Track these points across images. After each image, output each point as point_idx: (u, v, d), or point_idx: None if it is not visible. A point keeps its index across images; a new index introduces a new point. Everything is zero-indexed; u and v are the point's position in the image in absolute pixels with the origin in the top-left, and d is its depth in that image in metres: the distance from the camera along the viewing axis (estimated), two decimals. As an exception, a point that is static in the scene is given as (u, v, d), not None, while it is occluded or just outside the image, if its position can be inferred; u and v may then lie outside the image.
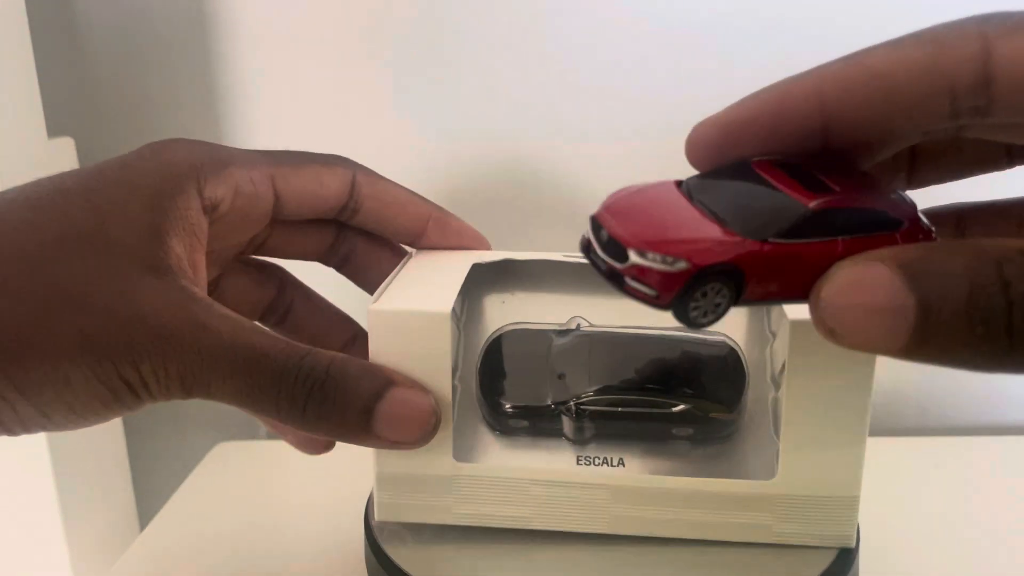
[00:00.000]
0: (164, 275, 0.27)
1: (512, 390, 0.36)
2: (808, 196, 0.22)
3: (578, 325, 0.37)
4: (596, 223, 0.23)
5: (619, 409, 0.35)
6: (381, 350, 0.31)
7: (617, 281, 0.22)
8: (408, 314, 0.30)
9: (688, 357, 0.36)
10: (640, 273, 0.22)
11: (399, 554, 0.33)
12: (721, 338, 0.37)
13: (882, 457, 0.49)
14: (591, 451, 0.35)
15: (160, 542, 0.45)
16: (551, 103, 0.52)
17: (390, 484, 0.33)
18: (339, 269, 0.38)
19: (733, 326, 0.37)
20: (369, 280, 0.38)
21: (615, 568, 0.33)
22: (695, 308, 0.22)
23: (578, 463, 0.34)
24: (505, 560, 0.33)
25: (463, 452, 0.34)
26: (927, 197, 0.26)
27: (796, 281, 0.21)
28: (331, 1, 0.51)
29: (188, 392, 0.28)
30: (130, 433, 0.56)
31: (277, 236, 0.36)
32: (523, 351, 0.37)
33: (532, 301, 0.38)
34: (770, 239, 0.21)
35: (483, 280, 0.37)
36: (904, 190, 0.24)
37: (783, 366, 0.32)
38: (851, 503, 0.32)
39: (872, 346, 0.19)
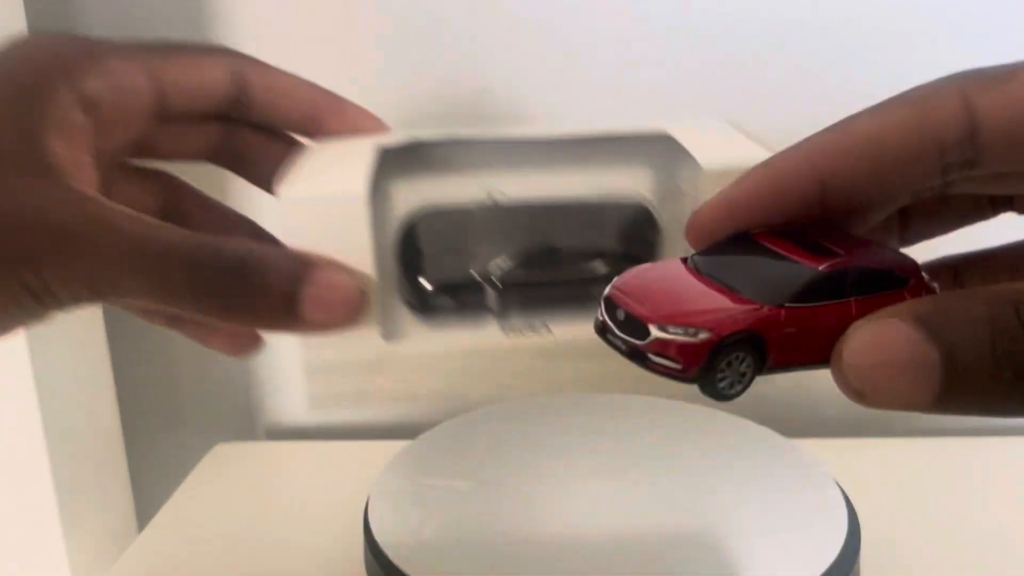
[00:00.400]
0: (48, 175, 0.26)
1: (432, 269, 0.35)
2: (816, 260, 0.22)
3: (494, 199, 0.35)
4: (610, 303, 0.23)
5: (541, 278, 0.35)
6: (294, 242, 0.29)
7: (640, 359, 0.22)
8: (322, 201, 0.29)
9: (604, 219, 0.36)
10: (664, 348, 0.22)
11: (398, 555, 0.33)
12: (635, 197, 0.35)
13: (882, 457, 0.49)
14: (517, 322, 0.34)
15: (159, 543, 0.45)
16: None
17: (319, 374, 0.31)
18: (232, 168, 0.36)
19: (646, 183, 0.35)
20: (264, 177, 0.35)
21: (615, 568, 0.33)
22: (722, 379, 0.22)
23: (506, 333, 0.33)
24: (506, 560, 0.33)
25: (390, 334, 0.32)
26: (917, 252, 0.27)
27: (816, 345, 0.22)
28: (332, 1, 0.51)
29: (97, 294, 0.26)
30: (128, 434, 0.56)
31: (162, 137, 0.33)
32: (440, 230, 0.35)
33: (445, 183, 0.35)
34: (786, 304, 0.22)
35: (391, 165, 0.34)
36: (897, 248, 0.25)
37: None
38: None
39: (903, 403, 0.19)
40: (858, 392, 0.19)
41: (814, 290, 0.22)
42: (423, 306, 0.35)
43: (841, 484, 0.37)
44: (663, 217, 0.35)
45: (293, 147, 0.35)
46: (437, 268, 0.35)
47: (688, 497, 0.37)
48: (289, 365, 0.58)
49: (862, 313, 0.21)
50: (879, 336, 0.19)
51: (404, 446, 0.41)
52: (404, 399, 0.32)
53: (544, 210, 0.36)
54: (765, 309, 0.22)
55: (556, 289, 0.35)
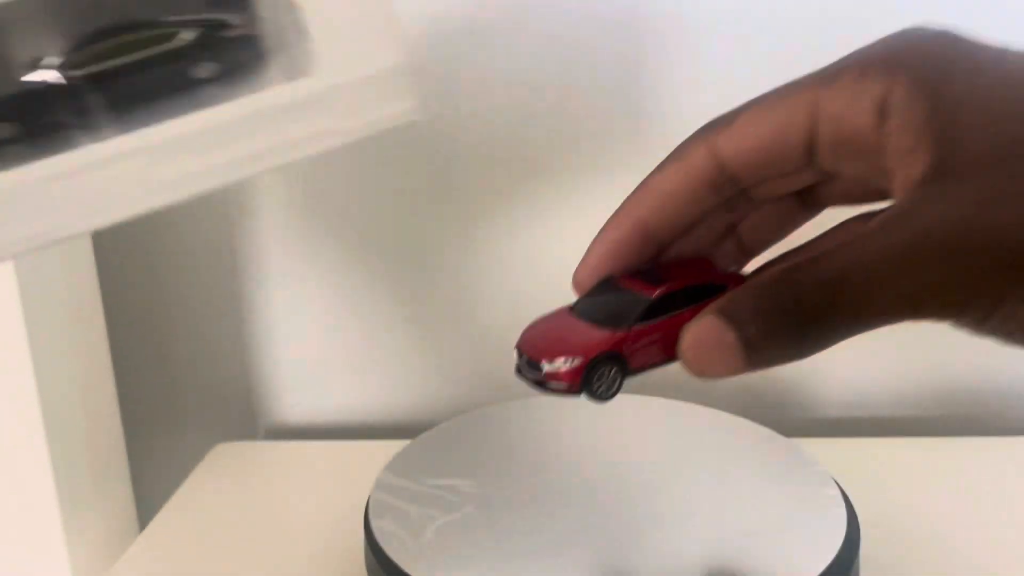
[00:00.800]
0: None
1: None
2: (652, 289, 0.31)
3: None
4: (519, 351, 0.32)
5: (119, 62, 0.28)
6: None
7: (543, 386, 0.31)
8: None
9: None
10: (553, 375, 0.30)
11: (399, 554, 0.33)
12: None
13: (881, 457, 0.49)
14: (107, 130, 0.28)
15: (160, 543, 0.45)
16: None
17: None
18: None
19: None
20: None
21: (615, 566, 0.33)
22: (598, 387, 0.31)
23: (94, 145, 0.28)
24: (506, 560, 0.33)
25: None
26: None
27: (662, 348, 0.31)
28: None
29: None
30: (129, 433, 0.56)
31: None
32: None
33: None
34: (633, 326, 0.31)
35: None
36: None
37: None
38: (399, 71, 0.30)
39: (726, 372, 0.25)
40: (695, 371, 0.26)
41: (650, 312, 0.31)
42: None
43: (840, 484, 0.37)
44: None
45: None
46: None
47: (688, 496, 0.37)
48: (289, 365, 0.58)
49: (694, 315, 0.30)
50: (697, 330, 0.26)
51: (404, 446, 0.41)
52: None
53: None
54: (618, 333, 0.30)
55: (144, 76, 0.28)
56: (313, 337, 0.57)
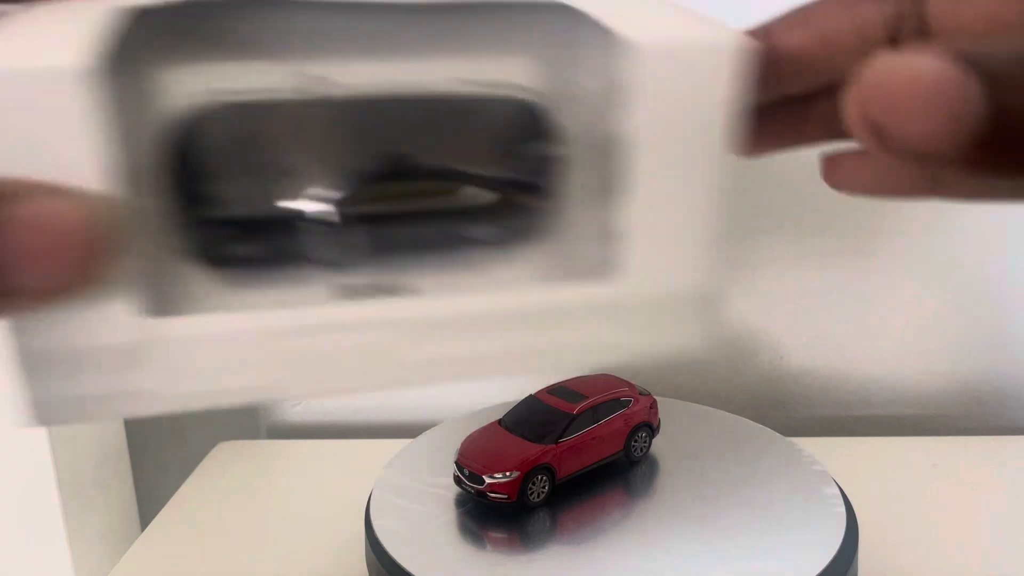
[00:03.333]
0: None
1: (225, 196, 0.23)
2: (572, 406, 0.37)
3: (317, 91, 0.23)
4: (459, 465, 0.36)
5: (392, 209, 0.24)
6: None
7: (484, 496, 0.35)
8: (9, 75, 0.17)
9: (476, 123, 0.25)
10: (494, 487, 0.35)
11: (400, 553, 0.33)
12: (513, 90, 0.24)
13: (881, 457, 0.49)
14: (354, 276, 0.24)
15: (162, 541, 0.45)
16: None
17: (45, 367, 0.19)
18: None
19: (535, 73, 0.24)
20: None
21: (616, 565, 0.33)
22: (531, 494, 0.36)
23: (344, 296, 0.24)
24: (505, 559, 0.34)
25: (158, 301, 0.21)
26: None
27: (588, 456, 0.37)
28: None
29: None
30: (131, 433, 0.56)
31: None
32: (236, 137, 0.23)
33: (243, 65, 0.23)
34: (559, 440, 0.36)
35: (155, 36, 0.22)
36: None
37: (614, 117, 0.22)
38: (706, 298, 0.24)
39: (927, 150, 0.15)
40: (876, 126, 0.16)
41: (573, 426, 0.37)
42: (211, 253, 0.23)
43: (840, 483, 0.37)
44: (561, 121, 0.25)
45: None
46: (234, 194, 0.23)
47: (687, 496, 0.37)
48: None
49: (610, 430, 0.38)
50: (909, 64, 0.15)
51: (405, 445, 0.41)
52: (190, 406, 0.21)
53: (391, 108, 0.24)
54: (548, 447, 0.36)
55: (413, 230, 0.24)
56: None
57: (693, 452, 0.40)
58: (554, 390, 0.39)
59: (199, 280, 0.23)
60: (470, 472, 0.36)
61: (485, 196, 0.24)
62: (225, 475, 0.52)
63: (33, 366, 0.19)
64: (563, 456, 0.36)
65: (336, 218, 0.23)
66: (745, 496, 0.36)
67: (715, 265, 0.23)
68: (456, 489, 0.37)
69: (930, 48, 0.15)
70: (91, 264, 0.17)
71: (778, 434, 0.41)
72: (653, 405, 0.39)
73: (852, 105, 0.16)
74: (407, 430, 0.44)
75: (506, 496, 0.35)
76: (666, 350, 0.24)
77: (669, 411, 0.41)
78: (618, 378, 0.40)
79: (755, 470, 0.39)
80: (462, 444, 0.37)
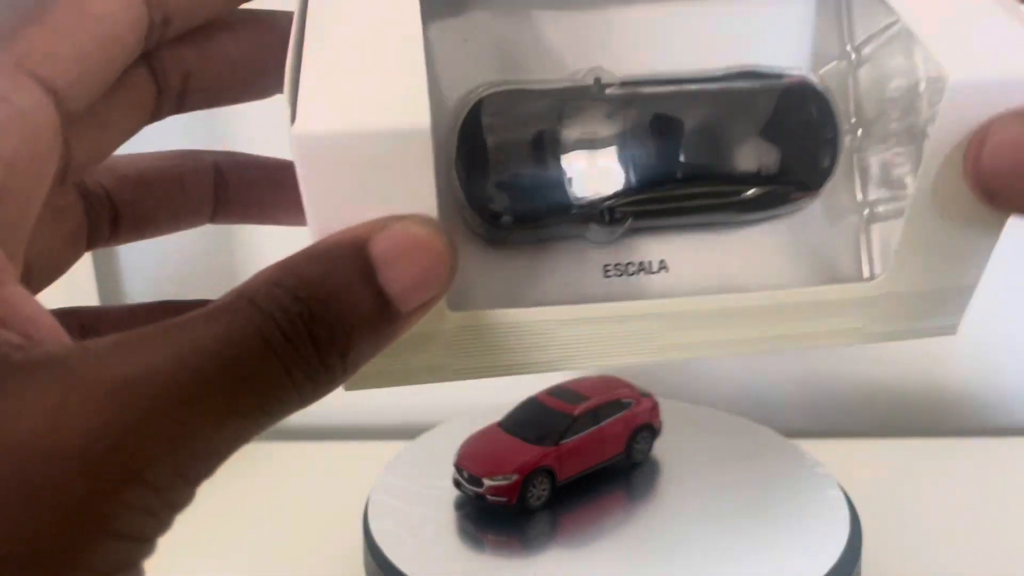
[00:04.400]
0: None
1: (509, 191, 0.24)
2: (573, 407, 0.37)
3: (597, 80, 0.24)
4: (459, 467, 0.36)
5: (669, 205, 0.25)
6: (322, 199, 0.19)
7: (483, 499, 0.35)
8: (363, 137, 0.18)
9: (758, 113, 0.25)
10: (494, 490, 0.35)
11: (399, 557, 0.33)
12: (799, 75, 0.25)
13: (883, 457, 0.49)
14: (621, 254, 0.25)
15: (159, 543, 0.45)
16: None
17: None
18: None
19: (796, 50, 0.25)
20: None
21: (617, 568, 0.32)
22: (531, 496, 0.35)
23: (606, 275, 0.25)
24: (505, 560, 0.33)
25: (456, 295, 0.22)
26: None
27: (589, 458, 0.37)
28: None
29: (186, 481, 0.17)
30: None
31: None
32: (516, 125, 0.24)
33: (512, 39, 0.24)
34: (560, 442, 0.36)
35: (430, 20, 0.23)
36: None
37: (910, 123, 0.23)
38: (965, 291, 0.24)
39: None
40: (990, 191, 0.18)
41: (573, 428, 0.36)
42: (496, 240, 0.25)
43: (842, 485, 0.37)
44: (845, 110, 0.25)
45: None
46: (517, 190, 0.24)
47: (689, 499, 0.36)
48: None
49: (609, 431, 0.37)
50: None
51: (404, 446, 0.41)
52: (476, 376, 0.23)
53: (669, 97, 0.25)
54: (547, 450, 0.36)
55: (685, 216, 0.25)
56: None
57: (695, 454, 0.40)
58: (554, 391, 0.38)
59: (481, 259, 0.24)
60: (469, 475, 0.35)
61: (754, 190, 0.25)
62: (222, 476, 0.51)
63: None
64: (564, 458, 0.36)
65: (607, 217, 0.24)
66: (747, 499, 0.36)
67: (976, 260, 0.24)
68: (455, 492, 0.37)
69: None
70: (451, 272, 0.19)
71: (781, 435, 0.41)
72: (655, 406, 0.39)
73: (970, 172, 0.18)
74: (406, 432, 0.44)
75: (506, 499, 0.35)
76: (919, 334, 0.25)
77: (671, 412, 0.40)
78: (619, 379, 0.39)
79: (757, 472, 0.38)
80: (461, 446, 0.37)
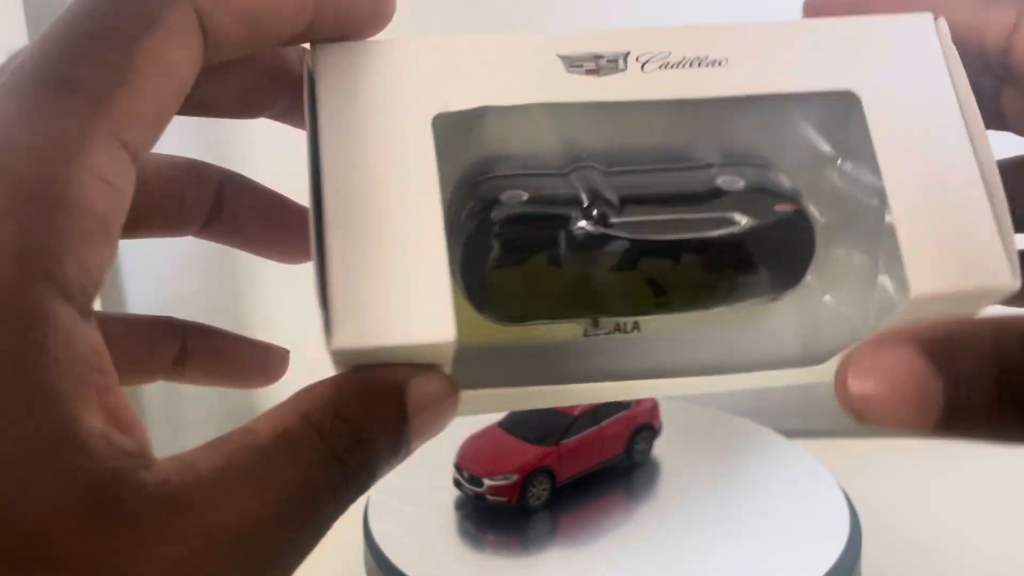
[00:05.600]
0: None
1: (505, 300, 0.24)
2: (572, 408, 0.37)
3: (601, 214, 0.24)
4: (459, 467, 0.36)
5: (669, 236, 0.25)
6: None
7: (482, 499, 0.35)
8: (392, 351, 0.19)
9: (745, 239, 0.25)
10: (494, 490, 0.35)
11: (399, 557, 0.33)
12: (794, 205, 0.25)
13: (883, 458, 0.49)
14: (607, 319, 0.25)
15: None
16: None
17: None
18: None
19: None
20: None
21: (617, 568, 0.32)
22: (531, 496, 0.36)
23: (585, 335, 0.25)
24: (504, 560, 0.33)
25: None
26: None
27: (587, 459, 0.37)
28: None
29: None
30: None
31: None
32: (515, 240, 0.24)
33: (512, 127, 0.24)
34: (559, 443, 0.36)
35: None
36: None
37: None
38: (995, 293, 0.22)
39: (902, 427, 0.19)
40: (857, 412, 0.19)
41: (574, 428, 0.36)
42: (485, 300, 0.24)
43: (842, 485, 0.37)
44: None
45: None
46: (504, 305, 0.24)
47: (689, 499, 0.36)
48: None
49: (612, 432, 0.37)
50: (884, 362, 0.19)
51: (404, 447, 0.41)
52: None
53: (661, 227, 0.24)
54: (549, 449, 0.35)
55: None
56: (312, 336, 0.57)
57: (695, 454, 0.40)
58: None
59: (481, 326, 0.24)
60: (469, 475, 0.35)
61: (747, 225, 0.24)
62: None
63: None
64: (564, 458, 0.36)
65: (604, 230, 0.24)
66: (748, 499, 0.36)
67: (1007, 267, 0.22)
68: (455, 492, 0.36)
69: (902, 342, 0.18)
70: (452, 412, 0.21)
71: (781, 436, 0.41)
72: (655, 407, 0.39)
73: (838, 391, 0.19)
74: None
75: (506, 499, 0.35)
76: None
77: (671, 413, 0.40)
78: None
79: (758, 472, 0.38)
80: (461, 446, 0.37)
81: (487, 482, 0.35)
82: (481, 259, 0.23)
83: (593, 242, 0.24)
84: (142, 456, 0.16)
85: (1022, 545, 0.42)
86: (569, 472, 0.36)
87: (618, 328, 0.25)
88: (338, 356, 0.20)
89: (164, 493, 0.16)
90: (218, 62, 0.20)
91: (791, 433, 0.41)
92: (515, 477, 0.35)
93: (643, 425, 0.38)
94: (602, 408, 0.37)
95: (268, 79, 0.23)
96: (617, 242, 0.24)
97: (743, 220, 0.25)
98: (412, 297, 0.20)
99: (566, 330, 0.25)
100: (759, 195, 0.25)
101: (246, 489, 0.17)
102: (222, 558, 0.16)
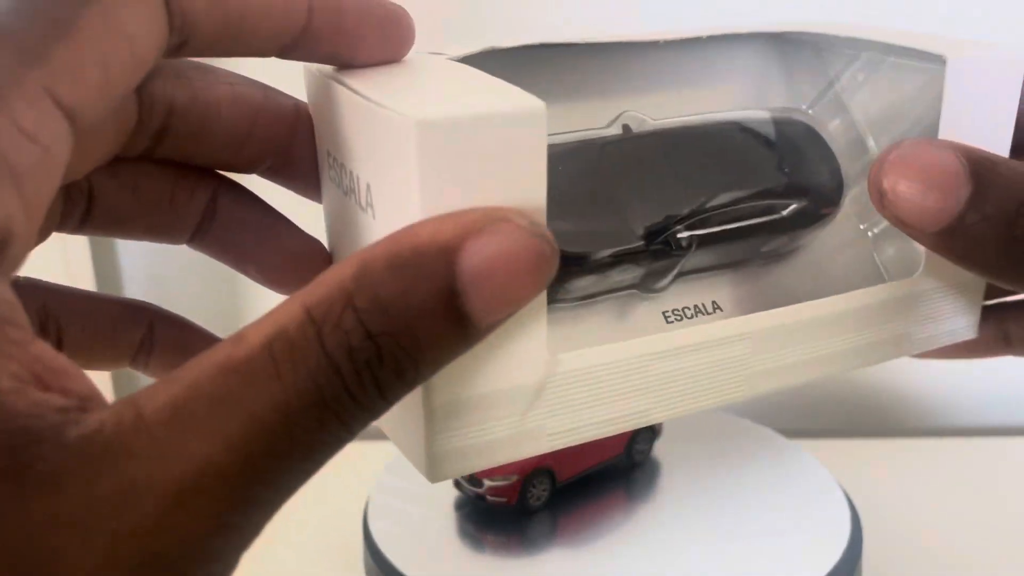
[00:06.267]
0: None
1: (569, 234, 0.23)
2: None
3: (626, 127, 0.26)
4: None
5: (726, 228, 0.26)
6: (434, 188, 0.17)
7: (482, 499, 0.35)
8: (485, 120, 0.17)
9: (769, 145, 0.27)
10: (494, 491, 0.35)
11: (399, 557, 0.33)
12: (794, 116, 0.28)
13: (884, 458, 0.49)
14: (674, 301, 0.26)
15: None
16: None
17: (451, 418, 0.19)
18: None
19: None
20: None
21: (617, 568, 0.32)
22: (531, 497, 0.35)
23: (667, 321, 0.26)
24: (504, 560, 0.33)
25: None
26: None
27: (588, 459, 0.36)
28: None
29: None
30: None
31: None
32: (565, 179, 0.24)
33: (558, 108, 0.25)
34: None
35: None
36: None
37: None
38: (980, 284, 0.26)
39: (915, 219, 0.20)
40: (881, 192, 0.21)
41: None
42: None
43: (842, 485, 0.37)
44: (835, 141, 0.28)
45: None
46: (574, 232, 0.24)
47: (689, 499, 0.36)
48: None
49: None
50: (926, 155, 0.20)
51: (404, 447, 0.41)
52: (570, 441, 0.22)
53: (687, 139, 0.26)
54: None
55: (728, 247, 0.26)
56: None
57: (695, 454, 0.40)
58: None
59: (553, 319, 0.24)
60: (469, 475, 0.35)
61: (793, 205, 0.27)
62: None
63: (440, 420, 0.19)
64: (563, 458, 0.36)
65: (660, 246, 0.25)
66: (748, 499, 0.36)
67: None
68: (455, 492, 0.36)
69: (951, 147, 0.20)
70: (546, 273, 0.17)
71: (781, 436, 0.41)
72: None
73: (874, 173, 0.21)
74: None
75: (506, 499, 0.35)
76: (941, 340, 0.26)
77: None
78: None
79: (758, 472, 0.38)
80: None
81: (487, 482, 0.35)
82: None
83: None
84: (77, 409, 0.14)
85: (1022, 542, 0.42)
86: (569, 472, 0.36)
87: (700, 310, 0.26)
88: (424, 137, 0.17)
89: (90, 447, 0.14)
90: (195, 55, 0.18)
91: (791, 433, 0.41)
92: (515, 477, 0.35)
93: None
94: None
95: (259, 122, 0.21)
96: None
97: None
98: (485, 90, 0.19)
99: (648, 322, 0.25)
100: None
101: (205, 425, 0.14)
102: (160, 517, 0.14)
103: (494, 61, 0.21)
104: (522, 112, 0.18)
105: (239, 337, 0.15)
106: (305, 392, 0.14)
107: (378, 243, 0.16)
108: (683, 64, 0.27)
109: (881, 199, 0.21)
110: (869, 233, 0.28)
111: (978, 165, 0.20)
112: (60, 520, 0.13)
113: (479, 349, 0.17)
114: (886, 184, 0.20)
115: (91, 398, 0.15)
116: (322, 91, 0.21)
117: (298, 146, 0.22)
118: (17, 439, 0.13)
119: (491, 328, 0.16)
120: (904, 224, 0.21)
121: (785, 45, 0.28)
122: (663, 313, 0.26)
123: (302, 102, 0.22)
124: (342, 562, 0.40)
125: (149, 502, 0.14)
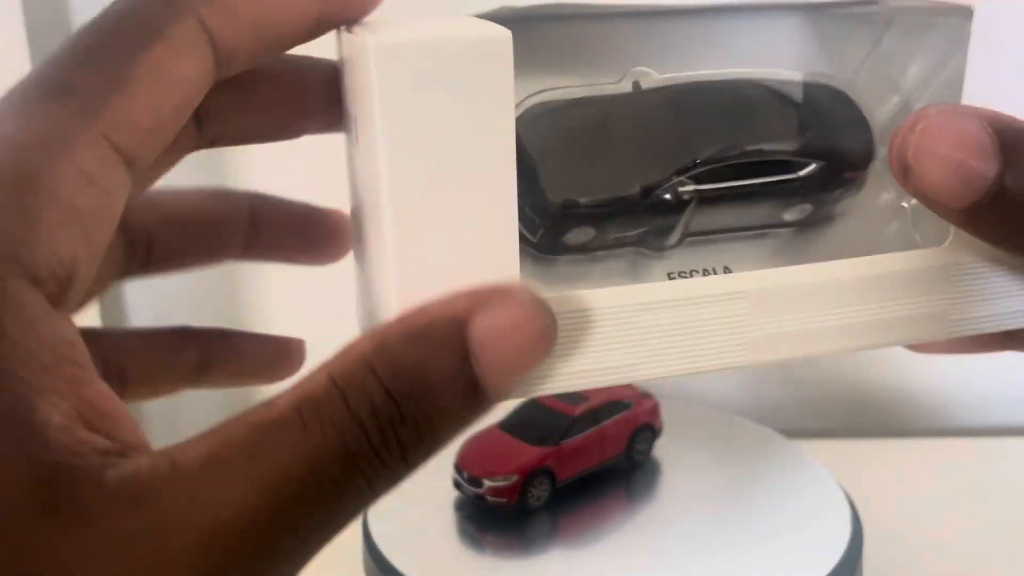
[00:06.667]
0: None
1: (570, 186, 0.24)
2: (573, 408, 0.36)
3: (636, 84, 0.25)
4: (458, 468, 0.36)
5: (740, 184, 0.25)
6: (398, 117, 0.18)
7: (482, 499, 0.35)
8: (445, 46, 0.18)
9: (791, 104, 0.26)
10: (494, 491, 0.35)
11: (398, 558, 0.33)
12: (828, 80, 0.26)
13: (884, 458, 0.49)
14: (683, 263, 0.25)
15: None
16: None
17: None
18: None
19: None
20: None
21: (617, 568, 0.32)
22: (531, 497, 0.35)
23: (670, 279, 0.25)
24: (504, 561, 0.33)
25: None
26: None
27: (588, 458, 0.36)
28: None
29: None
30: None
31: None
32: (567, 127, 0.24)
33: (560, 67, 0.25)
34: (560, 443, 0.36)
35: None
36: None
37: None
38: None
39: (941, 195, 0.19)
40: (905, 168, 0.20)
41: (574, 428, 0.36)
42: (546, 245, 0.24)
43: (842, 485, 0.37)
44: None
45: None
46: (575, 183, 0.24)
47: (690, 499, 0.36)
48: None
49: (611, 431, 0.37)
50: (952, 125, 0.19)
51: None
52: (568, 387, 0.21)
53: (707, 90, 0.25)
54: (547, 451, 0.35)
55: (742, 208, 0.25)
56: (312, 336, 0.57)
57: (695, 454, 0.40)
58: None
59: (531, 272, 0.24)
60: (469, 475, 0.35)
61: (812, 165, 0.25)
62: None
63: None
64: (564, 459, 0.36)
65: (670, 200, 0.24)
66: (748, 499, 0.36)
67: None
68: (455, 492, 0.36)
69: (978, 116, 0.19)
70: (550, 344, 0.18)
71: (782, 436, 0.41)
72: (655, 407, 0.39)
73: (898, 146, 0.20)
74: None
75: (506, 500, 0.35)
76: (987, 324, 0.24)
77: (671, 413, 0.40)
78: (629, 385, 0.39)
79: (758, 473, 0.38)
80: (461, 446, 0.37)
81: (487, 483, 0.35)
82: (533, 166, 0.23)
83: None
84: (118, 454, 0.15)
85: (1022, 544, 0.42)
86: (569, 472, 0.36)
87: (708, 273, 0.25)
88: (382, 61, 0.17)
89: (125, 488, 0.14)
90: (232, 74, 0.20)
91: (791, 433, 0.41)
92: (515, 478, 0.35)
93: (643, 425, 0.38)
94: (602, 408, 0.37)
95: (295, 97, 0.23)
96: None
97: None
98: (456, 26, 0.19)
99: (651, 280, 0.24)
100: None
101: (238, 472, 0.15)
102: (191, 558, 0.14)
103: (509, 25, 0.21)
104: (485, 40, 0.18)
105: (269, 403, 0.16)
106: (332, 446, 0.16)
107: (393, 321, 0.17)
108: (709, 34, 0.25)
109: (905, 174, 0.20)
110: (906, 206, 0.26)
111: (1006, 136, 0.19)
112: (91, 556, 0.14)
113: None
114: (910, 157, 0.19)
115: (135, 447, 0.16)
116: (342, 47, 0.22)
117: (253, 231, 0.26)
118: (57, 474, 0.14)
119: (502, 396, 0.18)
120: (929, 200, 0.20)
121: (821, 18, 0.26)
122: (668, 273, 0.25)
123: (256, 196, 0.26)
124: (342, 561, 0.40)
125: (180, 544, 0.14)
